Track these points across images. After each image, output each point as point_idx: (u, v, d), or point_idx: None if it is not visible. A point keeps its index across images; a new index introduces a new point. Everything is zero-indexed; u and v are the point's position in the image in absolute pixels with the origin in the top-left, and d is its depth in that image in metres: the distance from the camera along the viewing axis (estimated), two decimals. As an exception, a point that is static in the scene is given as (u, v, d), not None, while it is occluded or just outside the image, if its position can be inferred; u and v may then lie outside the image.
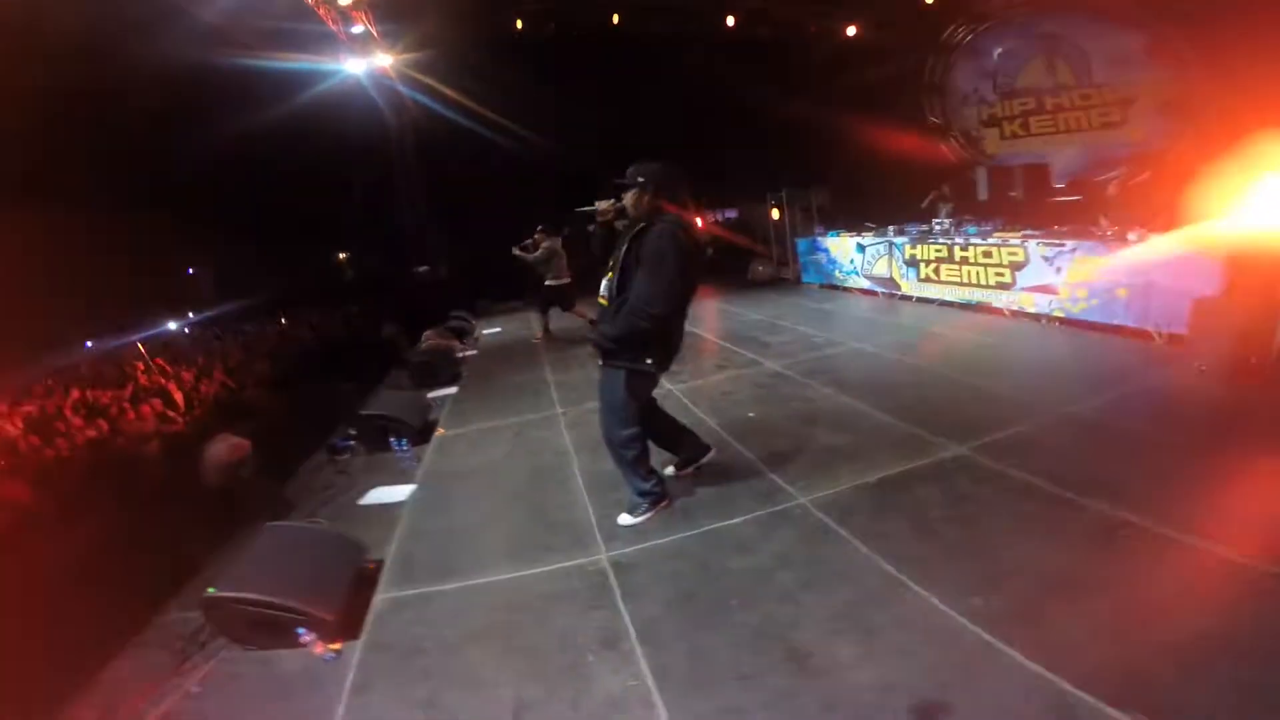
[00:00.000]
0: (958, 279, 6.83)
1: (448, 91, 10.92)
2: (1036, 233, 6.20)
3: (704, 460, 3.46)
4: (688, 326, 3.07)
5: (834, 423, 4.01)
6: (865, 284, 8.35)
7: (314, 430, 5.39)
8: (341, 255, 18.61)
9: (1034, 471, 3.03)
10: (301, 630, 2.47)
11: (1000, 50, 9.78)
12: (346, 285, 16.01)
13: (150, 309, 11.30)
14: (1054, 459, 3.16)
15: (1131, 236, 5.32)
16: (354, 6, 8.22)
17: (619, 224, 2.99)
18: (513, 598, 2.65)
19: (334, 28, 8.45)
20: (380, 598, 2.78)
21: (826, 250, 9.02)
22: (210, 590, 2.53)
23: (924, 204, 8.54)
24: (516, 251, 7.44)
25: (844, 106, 10.32)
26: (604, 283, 2.93)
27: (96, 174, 10.65)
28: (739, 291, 10.06)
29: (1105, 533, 2.49)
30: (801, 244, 9.74)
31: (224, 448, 4.02)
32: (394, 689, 2.23)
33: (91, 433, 4.30)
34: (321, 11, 8.02)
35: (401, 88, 10.83)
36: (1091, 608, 2.09)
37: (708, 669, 2.08)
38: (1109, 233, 5.65)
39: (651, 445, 3.21)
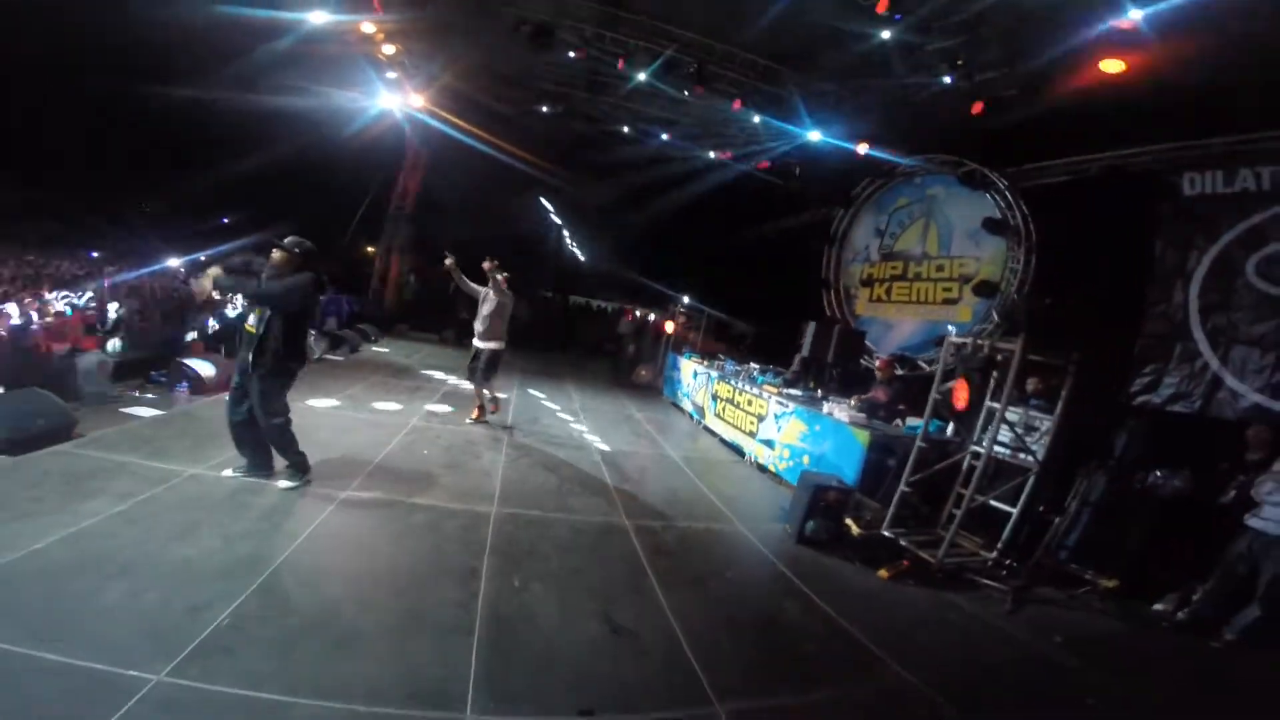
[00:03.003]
0: (732, 421, 7.72)
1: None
2: (788, 391, 7.07)
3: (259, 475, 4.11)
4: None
5: (454, 474, 5.05)
6: (689, 407, 9.29)
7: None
8: (371, 249, 18.01)
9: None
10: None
11: (895, 208, 9.86)
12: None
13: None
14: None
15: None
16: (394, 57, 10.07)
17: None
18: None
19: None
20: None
21: (679, 370, 10.05)
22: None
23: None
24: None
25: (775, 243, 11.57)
26: (253, 316, 3.96)
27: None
28: (612, 387, 11.36)
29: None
30: (670, 358, 10.78)
31: None
32: None
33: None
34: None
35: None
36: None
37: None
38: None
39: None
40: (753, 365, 8.21)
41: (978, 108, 7.53)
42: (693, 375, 9.34)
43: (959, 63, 7.04)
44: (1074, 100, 6.78)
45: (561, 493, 5.10)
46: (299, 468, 4.17)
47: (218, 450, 4.50)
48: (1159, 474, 4.85)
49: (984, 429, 5.07)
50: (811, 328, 7.99)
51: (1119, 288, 6.72)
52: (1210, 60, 5.55)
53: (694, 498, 5.69)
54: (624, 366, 12.49)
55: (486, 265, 6.25)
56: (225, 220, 14.92)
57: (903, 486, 5.11)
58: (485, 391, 6.58)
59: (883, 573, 4.51)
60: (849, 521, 5.21)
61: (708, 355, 9.83)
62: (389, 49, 9.49)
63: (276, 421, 4.02)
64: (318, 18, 7.77)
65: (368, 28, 8.76)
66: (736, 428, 7.55)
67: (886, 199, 10.04)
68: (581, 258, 16.44)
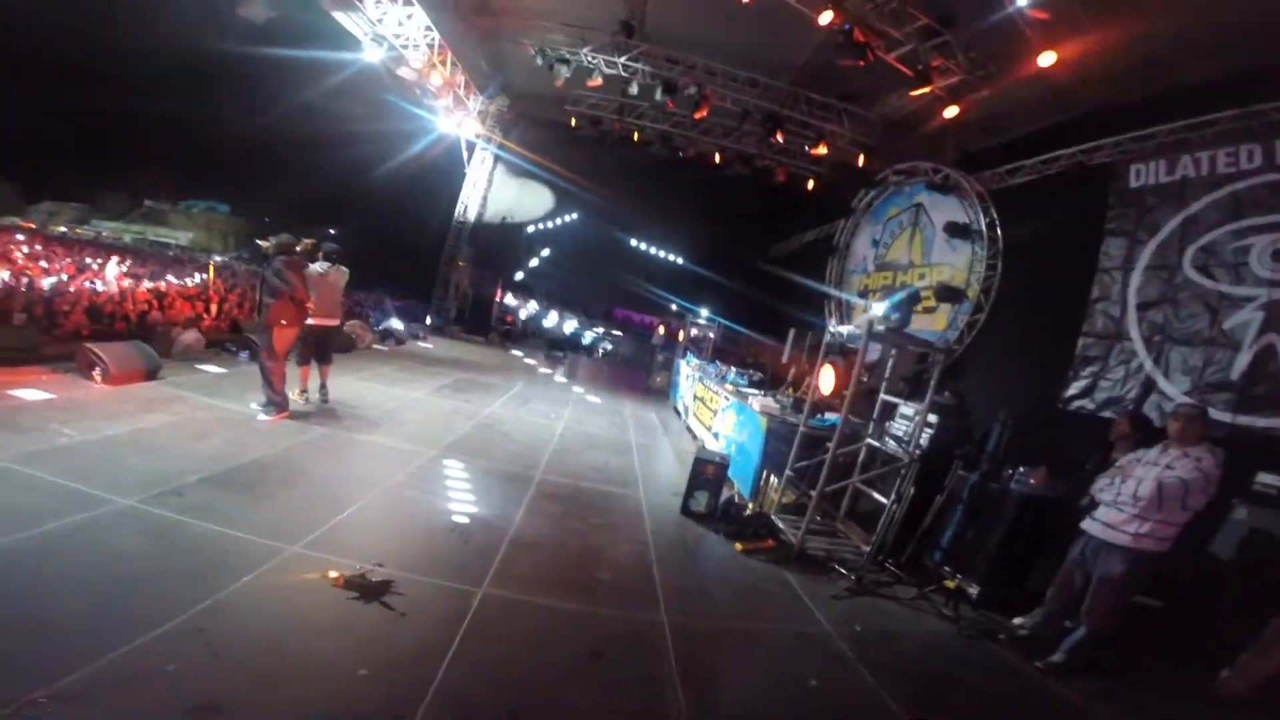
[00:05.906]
0: (701, 418, 8.42)
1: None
2: (744, 390, 7.67)
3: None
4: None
5: (420, 429, 6.37)
6: (680, 408, 10.04)
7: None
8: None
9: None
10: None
11: (888, 217, 9.89)
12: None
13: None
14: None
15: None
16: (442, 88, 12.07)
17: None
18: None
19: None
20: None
21: (679, 374, 10.83)
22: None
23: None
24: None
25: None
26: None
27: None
28: (628, 391, 12.29)
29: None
30: (674, 365, 11.59)
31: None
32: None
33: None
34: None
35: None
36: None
37: None
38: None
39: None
40: (730, 368, 8.87)
41: (952, 111, 7.77)
42: (686, 379, 10.13)
43: (919, 67, 7.27)
44: (1034, 97, 6.92)
45: (499, 451, 6.21)
46: (277, 406, 5.66)
47: (255, 395, 6.07)
48: (1021, 471, 4.68)
49: (873, 421, 5.53)
50: (791, 335, 8.58)
51: (1077, 286, 6.67)
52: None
53: (620, 470, 6.55)
54: (653, 375, 13.48)
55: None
56: (332, 231, 18.09)
57: (788, 471, 5.63)
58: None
59: (738, 545, 4.83)
60: (749, 501, 5.88)
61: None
62: (437, 80, 11.38)
63: (267, 364, 5.58)
64: (372, 55, 9.94)
65: (415, 63, 10.68)
66: (702, 422, 8.28)
67: (881, 209, 10.18)
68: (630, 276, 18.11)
